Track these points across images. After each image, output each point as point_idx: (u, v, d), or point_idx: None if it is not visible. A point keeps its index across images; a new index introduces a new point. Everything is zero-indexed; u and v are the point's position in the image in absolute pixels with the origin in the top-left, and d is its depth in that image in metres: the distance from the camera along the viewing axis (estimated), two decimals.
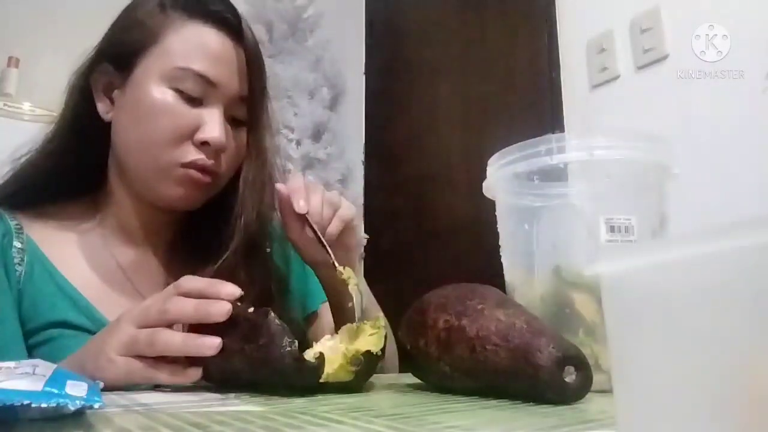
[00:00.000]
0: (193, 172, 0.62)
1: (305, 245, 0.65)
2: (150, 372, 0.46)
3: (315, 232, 0.60)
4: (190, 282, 0.48)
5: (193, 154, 0.62)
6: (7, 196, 0.66)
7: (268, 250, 0.70)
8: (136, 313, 0.48)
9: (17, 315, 0.59)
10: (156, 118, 0.61)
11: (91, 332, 0.56)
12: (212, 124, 0.62)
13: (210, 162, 0.63)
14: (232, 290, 0.47)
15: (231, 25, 0.65)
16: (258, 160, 0.67)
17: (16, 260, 0.61)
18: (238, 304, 0.46)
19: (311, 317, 0.78)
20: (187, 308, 0.46)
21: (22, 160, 0.66)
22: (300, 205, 0.60)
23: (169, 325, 0.47)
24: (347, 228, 0.65)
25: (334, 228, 0.63)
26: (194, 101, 0.62)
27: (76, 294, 0.62)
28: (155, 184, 0.63)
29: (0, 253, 0.60)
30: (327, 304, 0.73)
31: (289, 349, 0.44)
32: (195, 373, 0.46)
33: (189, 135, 0.62)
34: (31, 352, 0.58)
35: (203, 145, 0.62)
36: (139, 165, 0.64)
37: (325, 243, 0.60)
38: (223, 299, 0.46)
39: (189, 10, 0.64)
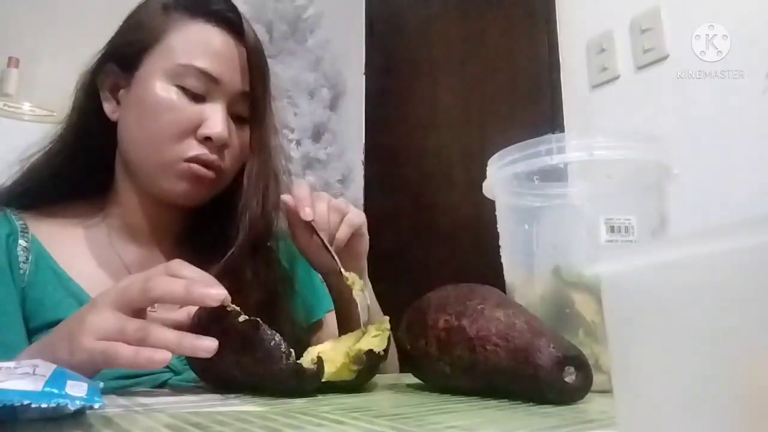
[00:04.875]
0: (196, 167, 0.63)
1: (313, 253, 0.65)
2: (129, 358, 0.41)
3: (322, 239, 0.60)
4: (182, 268, 0.46)
5: (196, 149, 0.63)
6: (16, 196, 0.66)
7: (273, 249, 0.70)
8: (114, 295, 0.44)
9: (21, 312, 0.59)
10: (160, 114, 0.62)
11: None
12: (215, 120, 0.63)
13: (213, 157, 0.64)
14: (221, 293, 0.43)
15: (232, 23, 0.66)
16: (261, 157, 0.68)
17: (20, 259, 0.61)
18: (228, 309, 0.44)
19: (316, 325, 0.77)
20: (176, 288, 0.42)
21: (32, 160, 0.67)
22: (306, 213, 0.60)
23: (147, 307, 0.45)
24: (356, 234, 0.65)
25: (342, 234, 0.63)
26: (197, 98, 0.63)
27: (80, 292, 0.62)
28: (160, 179, 0.64)
29: (5, 252, 0.61)
30: (332, 313, 0.73)
31: (286, 362, 0.43)
32: (165, 357, 0.41)
33: (192, 130, 0.63)
34: None
35: (206, 140, 0.63)
36: (144, 161, 0.65)
37: (331, 250, 0.60)
38: (206, 302, 0.42)
39: (191, 9, 0.65)
